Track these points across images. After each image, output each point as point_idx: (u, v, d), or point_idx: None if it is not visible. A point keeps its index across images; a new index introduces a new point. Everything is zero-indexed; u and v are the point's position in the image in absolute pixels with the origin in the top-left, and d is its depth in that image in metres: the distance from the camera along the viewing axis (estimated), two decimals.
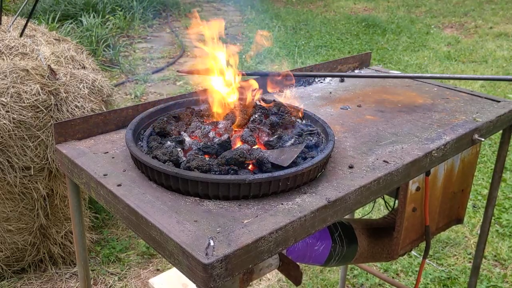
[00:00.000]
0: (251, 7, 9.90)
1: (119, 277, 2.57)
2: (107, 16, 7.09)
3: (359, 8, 10.11)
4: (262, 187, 1.01)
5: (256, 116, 1.26)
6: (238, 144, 1.14)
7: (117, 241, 2.83)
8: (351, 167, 1.16)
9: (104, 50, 5.99)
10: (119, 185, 1.05)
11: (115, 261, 2.68)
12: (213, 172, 1.03)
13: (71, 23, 6.27)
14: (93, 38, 5.94)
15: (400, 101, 1.64)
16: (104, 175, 1.09)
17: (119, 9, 7.58)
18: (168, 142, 1.14)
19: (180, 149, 1.11)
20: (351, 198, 1.06)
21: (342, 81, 1.84)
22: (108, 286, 2.52)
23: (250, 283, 2.67)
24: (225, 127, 1.20)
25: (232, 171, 1.04)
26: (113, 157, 1.18)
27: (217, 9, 9.99)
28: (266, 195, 1.03)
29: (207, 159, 1.07)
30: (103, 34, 6.15)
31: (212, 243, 0.86)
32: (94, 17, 6.58)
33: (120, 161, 1.17)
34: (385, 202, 1.81)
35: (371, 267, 2.55)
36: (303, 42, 7.29)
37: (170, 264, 2.22)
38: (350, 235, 1.63)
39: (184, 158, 1.08)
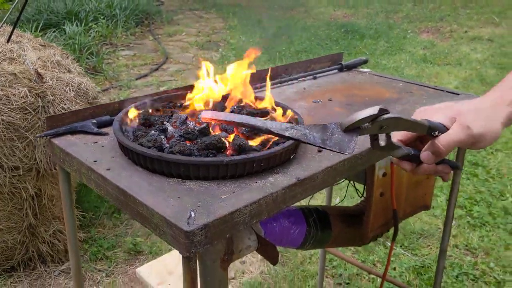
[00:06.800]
0: (233, 14, 10.06)
1: (106, 274, 2.66)
2: (89, 24, 7.17)
3: (338, 14, 10.33)
4: (238, 168, 1.12)
5: (235, 107, 1.38)
6: (218, 132, 1.26)
7: (104, 239, 2.91)
8: (319, 151, 1.28)
9: (87, 58, 6.06)
10: (108, 169, 1.15)
11: (102, 259, 2.77)
12: (194, 156, 1.14)
13: (54, 31, 6.34)
14: (76, 46, 6.02)
15: (368, 96, 1.78)
16: (94, 161, 1.19)
17: (102, 17, 7.66)
18: (152, 131, 1.25)
19: (163, 136, 1.22)
20: (318, 177, 1.18)
21: (315, 78, 1.97)
22: (96, 282, 2.60)
23: (234, 276, 2.76)
24: None
25: (211, 155, 1.15)
26: (102, 146, 1.29)
27: (199, 17, 10.12)
28: (242, 175, 1.14)
29: (188, 144, 1.18)
30: (86, 42, 6.22)
31: (193, 214, 0.97)
32: (77, 25, 6.66)
33: (109, 150, 1.27)
34: (356, 189, 1.94)
35: (350, 257, 2.68)
36: (284, 48, 7.45)
37: (155, 259, 2.32)
38: (325, 220, 1.74)
39: (167, 145, 1.19)
